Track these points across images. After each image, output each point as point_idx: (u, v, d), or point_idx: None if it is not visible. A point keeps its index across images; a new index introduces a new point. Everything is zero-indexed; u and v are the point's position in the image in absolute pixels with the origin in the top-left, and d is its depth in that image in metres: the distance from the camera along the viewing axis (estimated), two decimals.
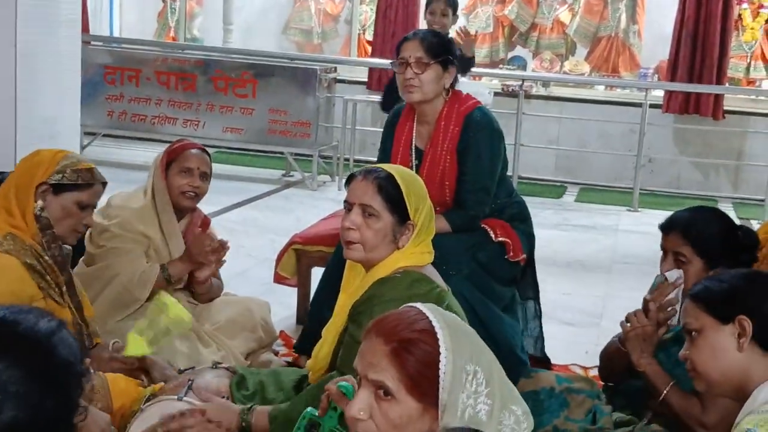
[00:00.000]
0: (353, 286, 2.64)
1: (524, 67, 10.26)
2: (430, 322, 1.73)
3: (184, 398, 2.59)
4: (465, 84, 8.70)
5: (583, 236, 7.03)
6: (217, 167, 3.75)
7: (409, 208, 2.55)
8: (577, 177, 9.12)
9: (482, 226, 3.57)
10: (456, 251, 3.40)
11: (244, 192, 7.73)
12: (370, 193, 2.54)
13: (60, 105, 4.89)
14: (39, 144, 4.61)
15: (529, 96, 9.07)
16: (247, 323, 3.65)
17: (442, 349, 1.69)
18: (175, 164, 3.56)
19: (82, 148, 8.93)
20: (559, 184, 9.07)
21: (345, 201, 2.60)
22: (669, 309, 2.73)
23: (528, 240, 3.70)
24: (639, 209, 7.96)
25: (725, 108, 8.80)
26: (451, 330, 1.73)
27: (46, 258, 2.85)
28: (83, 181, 2.89)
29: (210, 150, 3.82)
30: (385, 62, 8.11)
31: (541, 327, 3.89)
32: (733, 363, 2.07)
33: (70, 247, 3.16)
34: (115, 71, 8.36)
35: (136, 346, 2.92)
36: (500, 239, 3.55)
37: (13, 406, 1.34)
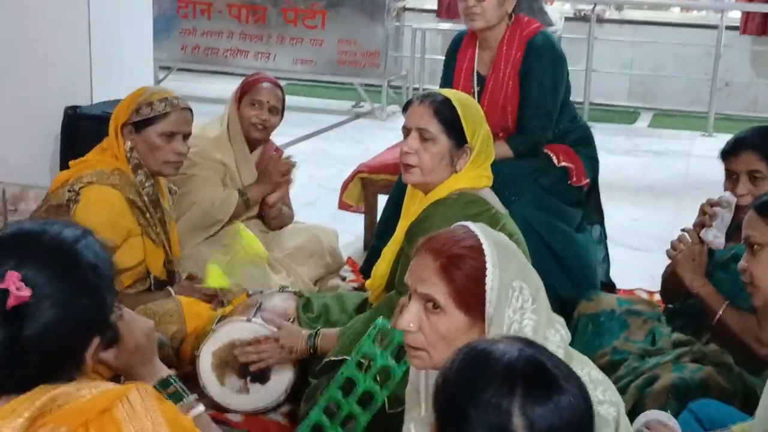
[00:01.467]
0: (412, 209, 2.71)
1: None
2: (479, 239, 1.78)
3: (253, 319, 2.71)
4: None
5: (654, 162, 6.96)
6: (288, 99, 3.83)
7: (466, 131, 2.60)
8: (651, 102, 8.98)
9: (545, 151, 3.59)
10: (518, 176, 3.44)
11: (315, 123, 7.81)
12: (426, 117, 2.59)
13: (133, 40, 4.99)
14: (114, 80, 4.79)
15: (601, 20, 8.93)
16: (315, 250, 3.76)
17: (488, 265, 1.75)
18: (247, 96, 3.66)
19: (157, 82, 9.11)
20: (632, 109, 8.95)
21: (403, 127, 2.65)
22: (706, 216, 2.77)
23: (591, 164, 3.71)
24: (714, 134, 7.84)
25: None
26: (498, 248, 1.78)
27: (145, 197, 2.96)
28: (159, 112, 2.96)
29: (281, 82, 3.89)
30: None
31: (606, 251, 3.92)
32: None
33: (177, 189, 3.30)
34: (188, 5, 8.46)
35: (215, 277, 3.03)
36: (563, 164, 3.57)
37: (50, 304, 1.43)
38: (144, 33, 5.16)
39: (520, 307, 1.76)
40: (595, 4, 8.36)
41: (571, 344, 3.11)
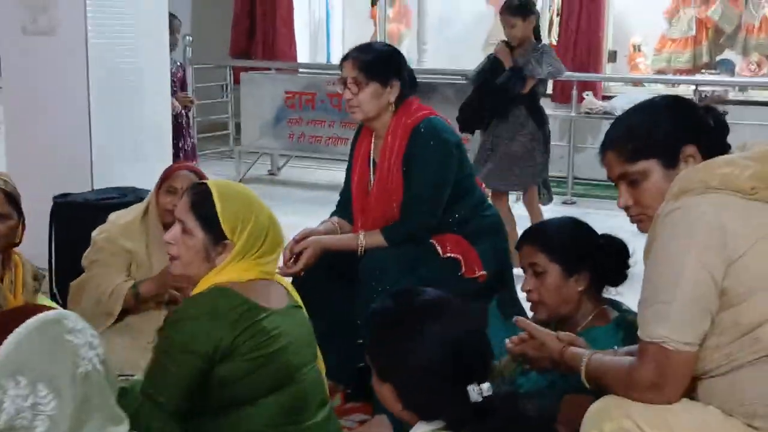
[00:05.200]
0: None
1: (732, 71, 9.53)
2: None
3: None
4: (630, 91, 8.28)
5: None
6: None
7: (224, 227, 2.52)
8: None
9: (431, 241, 3.44)
10: (386, 265, 3.31)
11: None
12: (185, 210, 2.55)
13: (142, 128, 5.23)
14: (119, 167, 5.05)
15: (725, 101, 8.45)
16: None
17: None
18: (165, 183, 3.75)
19: (279, 168, 9.51)
20: None
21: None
22: None
23: (496, 255, 3.52)
24: None
25: None
26: (25, 339, 1.79)
27: None
28: None
29: None
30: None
31: None
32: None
33: (44, 275, 3.46)
34: (294, 96, 8.79)
35: None
36: (449, 255, 3.40)
37: None
38: (159, 120, 5.40)
39: (30, 407, 1.74)
40: (697, 86, 7.93)
41: None
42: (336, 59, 11.96)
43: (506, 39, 5.69)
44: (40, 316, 1.84)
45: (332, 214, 3.69)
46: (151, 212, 3.76)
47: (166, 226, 3.71)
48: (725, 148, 2.22)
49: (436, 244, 3.42)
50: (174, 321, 2.50)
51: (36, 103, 5.03)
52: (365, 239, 3.39)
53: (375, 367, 1.93)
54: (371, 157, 3.57)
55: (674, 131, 2.23)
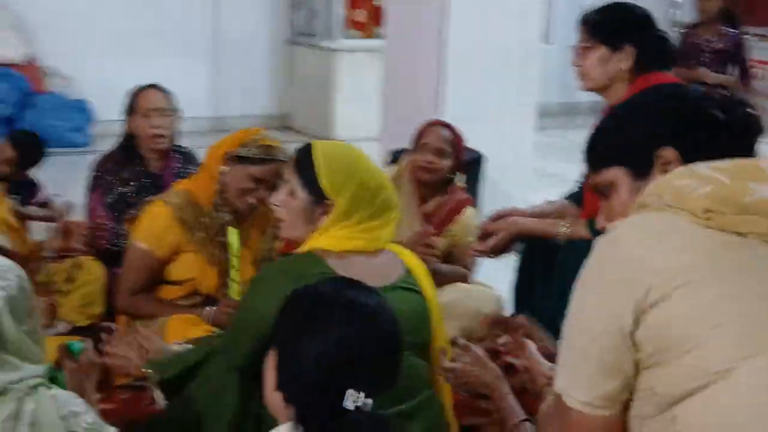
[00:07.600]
0: None
1: None
2: None
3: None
4: None
5: None
6: None
7: (322, 183, 2.34)
8: None
9: None
10: (583, 259, 2.85)
11: None
12: (290, 170, 2.43)
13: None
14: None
15: None
16: (458, 311, 3.54)
17: None
18: (420, 140, 3.71)
19: None
20: None
21: None
22: None
23: None
24: None
25: None
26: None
27: (207, 219, 3.20)
28: (257, 156, 3.14)
29: None
30: None
31: None
32: None
33: None
34: None
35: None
36: None
37: None
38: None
39: None
40: None
41: None
42: None
43: None
44: None
45: (567, 197, 3.29)
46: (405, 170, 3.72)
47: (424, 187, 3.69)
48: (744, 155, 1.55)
49: None
50: (255, 279, 2.45)
51: (405, 62, 5.20)
52: (570, 228, 2.97)
53: (276, 334, 1.79)
54: None
55: (646, 130, 1.67)
